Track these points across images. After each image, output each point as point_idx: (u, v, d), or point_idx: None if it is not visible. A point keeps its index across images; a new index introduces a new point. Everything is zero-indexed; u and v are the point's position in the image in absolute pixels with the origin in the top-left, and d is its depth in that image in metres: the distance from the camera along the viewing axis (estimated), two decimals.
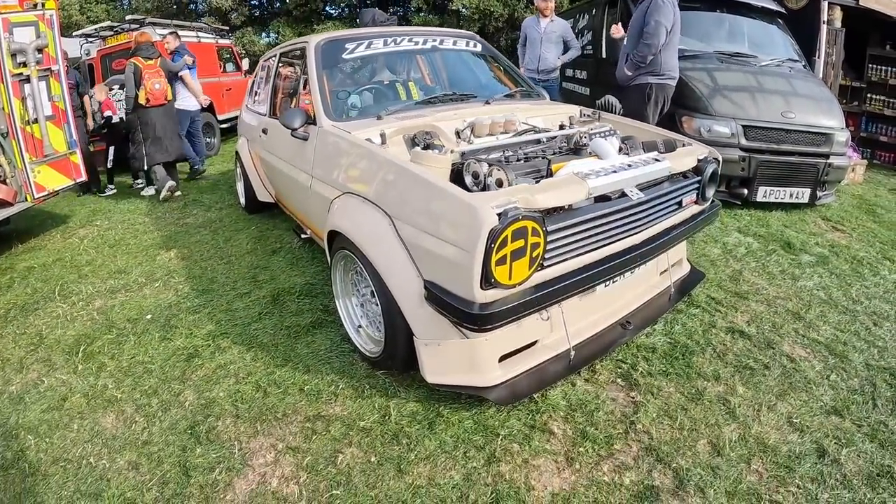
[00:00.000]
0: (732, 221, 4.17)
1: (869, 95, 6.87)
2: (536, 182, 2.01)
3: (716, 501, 1.75)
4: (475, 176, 2.13)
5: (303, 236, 3.44)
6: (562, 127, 2.87)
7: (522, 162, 2.28)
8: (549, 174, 2.19)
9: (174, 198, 5.59)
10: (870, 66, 6.79)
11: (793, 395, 2.26)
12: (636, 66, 3.90)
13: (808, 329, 2.75)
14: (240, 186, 4.84)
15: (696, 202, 2.59)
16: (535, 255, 1.78)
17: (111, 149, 5.76)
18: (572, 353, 2.16)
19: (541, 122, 2.89)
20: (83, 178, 4.79)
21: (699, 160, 2.52)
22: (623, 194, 2.09)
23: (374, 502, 1.78)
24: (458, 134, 2.58)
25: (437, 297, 1.84)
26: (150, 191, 5.80)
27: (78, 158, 4.70)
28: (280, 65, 3.89)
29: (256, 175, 4.25)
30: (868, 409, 2.19)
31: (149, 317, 3.07)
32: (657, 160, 2.31)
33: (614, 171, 2.09)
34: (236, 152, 4.77)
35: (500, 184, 2.02)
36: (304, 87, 3.19)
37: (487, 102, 3.00)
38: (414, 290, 1.96)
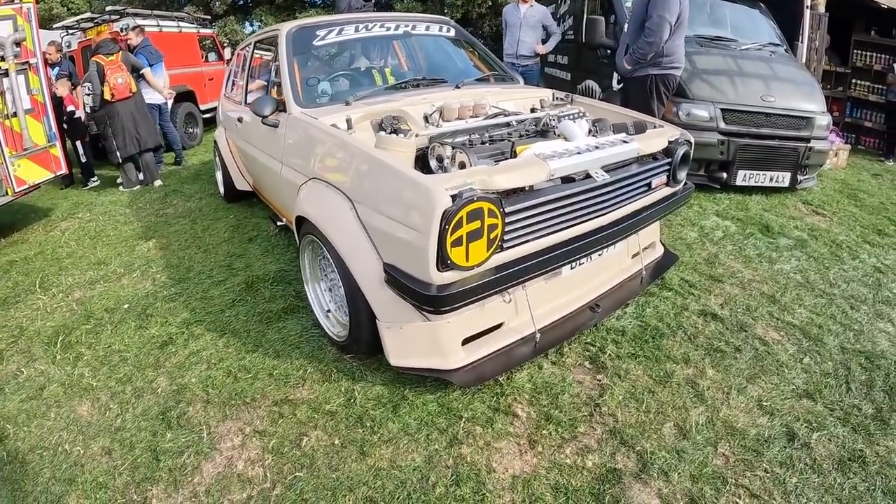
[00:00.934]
0: (711, 205, 4.17)
1: (854, 81, 6.86)
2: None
3: (680, 485, 1.75)
4: (440, 160, 2.13)
5: (279, 224, 3.45)
6: (533, 110, 2.86)
7: (487, 145, 2.27)
8: (513, 156, 2.18)
9: (154, 188, 5.66)
10: (855, 51, 6.78)
11: (764, 378, 2.25)
12: (636, 61, 3.74)
13: (782, 312, 2.75)
14: (219, 175, 4.83)
15: (667, 184, 2.59)
16: (492, 236, 1.78)
17: (77, 143, 5.76)
18: (538, 336, 2.17)
19: (512, 106, 2.87)
20: (63, 170, 4.77)
21: (670, 142, 2.51)
22: (588, 175, 2.09)
23: (335, 484, 1.79)
24: (426, 118, 2.57)
25: (396, 280, 1.84)
26: (123, 188, 5.78)
27: (58, 151, 4.69)
28: (255, 53, 3.86)
29: (234, 164, 4.24)
30: (841, 392, 2.18)
31: (126, 306, 3.08)
32: (625, 141, 2.30)
33: (578, 153, 2.09)
34: (214, 141, 4.76)
35: (462, 167, 2.02)
36: (277, 75, 3.17)
37: (458, 87, 2.99)
38: (375, 274, 1.97)
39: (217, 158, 4.71)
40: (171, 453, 1.98)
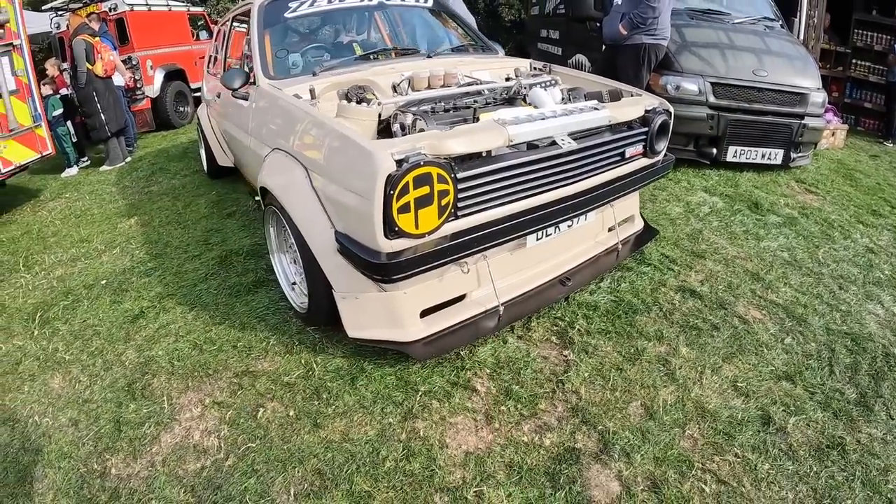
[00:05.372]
0: (699, 181, 4.07)
1: (854, 61, 6.68)
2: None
3: (642, 468, 1.68)
4: (402, 128, 2.08)
5: (256, 199, 3.41)
6: (508, 80, 2.79)
7: (450, 112, 2.21)
8: (475, 122, 2.12)
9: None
10: (855, 31, 6.58)
11: (741, 357, 2.17)
12: (634, 27, 3.78)
13: (766, 290, 2.67)
14: (202, 152, 4.79)
15: (644, 155, 2.52)
16: (444, 203, 1.73)
17: (68, 123, 5.78)
18: (501, 308, 2.13)
19: (487, 76, 2.80)
20: (49, 150, 4.77)
21: (647, 111, 2.44)
22: (554, 143, 2.03)
23: (286, 456, 1.78)
24: (394, 88, 2.51)
25: (347, 249, 1.81)
26: (106, 167, 5.80)
27: (44, 132, 4.69)
28: (233, 27, 3.81)
29: (216, 140, 4.21)
30: (823, 375, 2.10)
31: (103, 282, 3.08)
32: (595, 109, 2.23)
33: (543, 119, 2.03)
34: (197, 118, 4.73)
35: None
36: (249, 48, 3.12)
37: (429, 56, 2.92)
38: (328, 243, 1.93)
39: (200, 135, 4.68)
40: (132, 424, 1.99)
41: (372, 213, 1.63)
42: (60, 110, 5.55)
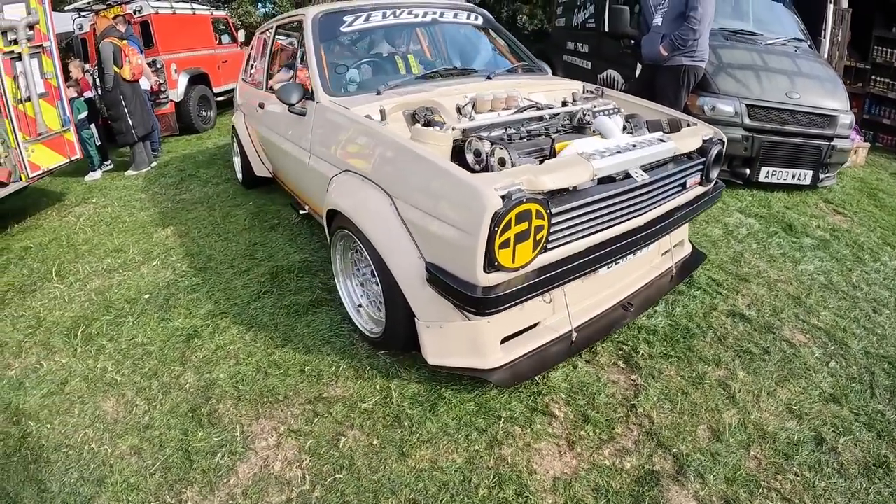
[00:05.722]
0: (734, 201, 4.13)
1: (873, 77, 6.76)
2: (541, 162, 1.97)
3: (715, 487, 1.76)
4: (477, 154, 2.09)
5: (301, 212, 3.40)
6: (564, 103, 2.81)
7: (525, 140, 2.23)
8: (553, 153, 2.14)
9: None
10: (875, 47, 6.66)
11: (792, 381, 2.25)
12: (674, 48, 3.82)
13: (808, 314, 2.74)
14: (237, 161, 4.77)
15: (699, 183, 2.56)
16: (538, 237, 1.75)
17: (92, 126, 5.74)
18: (574, 334, 2.15)
19: (543, 98, 2.82)
20: (77, 155, 4.72)
21: (704, 141, 2.48)
22: (627, 175, 2.06)
23: (377, 486, 1.78)
24: (458, 110, 2.53)
25: (440, 280, 1.81)
26: (132, 171, 5.76)
27: (72, 136, 4.63)
28: (276, 37, 3.80)
29: (253, 150, 4.19)
30: (866, 397, 2.18)
31: (147, 297, 3.05)
32: (662, 140, 2.26)
33: (619, 152, 2.05)
34: (233, 126, 4.69)
35: (502, 163, 1.98)
36: (302, 61, 3.12)
37: (489, 77, 2.93)
38: (415, 272, 1.93)
39: (235, 144, 4.65)
40: (203, 453, 1.94)
41: (475, 247, 1.64)
42: (85, 113, 5.50)
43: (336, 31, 3.02)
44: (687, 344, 2.46)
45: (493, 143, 2.06)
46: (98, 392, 2.30)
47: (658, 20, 3.90)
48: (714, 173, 2.59)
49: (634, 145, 2.14)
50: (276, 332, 2.61)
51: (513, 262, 1.72)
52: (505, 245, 1.67)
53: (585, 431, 1.98)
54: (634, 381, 2.24)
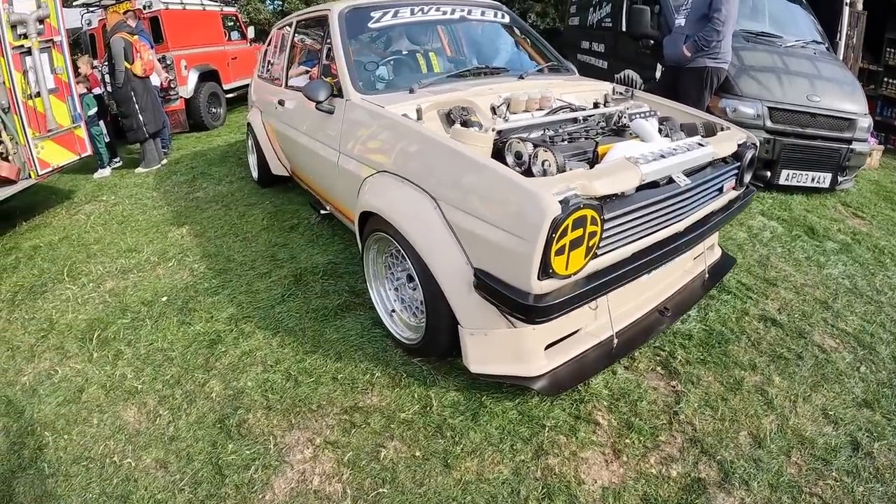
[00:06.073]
0: (756, 204, 4.11)
1: (886, 79, 6.76)
2: (591, 167, 1.93)
3: (760, 494, 1.75)
4: (518, 156, 2.04)
5: (322, 212, 3.33)
6: (596, 105, 2.77)
7: (566, 143, 2.18)
8: (595, 156, 2.10)
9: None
10: (888, 49, 6.65)
11: (826, 386, 2.25)
12: (698, 49, 3.82)
13: (836, 319, 2.73)
14: (252, 159, 4.69)
15: (733, 188, 2.53)
16: (591, 244, 1.71)
17: (101, 123, 5.66)
18: (615, 340, 2.11)
19: (574, 100, 2.78)
20: (88, 152, 4.64)
21: (739, 145, 2.45)
22: (670, 180, 2.02)
23: (423, 500, 1.72)
24: (493, 110, 2.48)
25: (489, 287, 1.76)
26: (142, 169, 5.69)
27: (83, 132, 4.54)
28: (296, 33, 3.71)
29: (270, 148, 4.11)
30: None
31: (164, 299, 2.97)
32: (701, 145, 2.23)
33: (663, 157, 2.01)
34: (248, 124, 4.59)
35: (546, 166, 1.93)
36: (328, 58, 3.04)
37: (521, 77, 2.88)
38: (462, 278, 1.88)
39: (250, 141, 4.57)
40: (235, 467, 1.86)
41: (531, 255, 1.59)
42: (95, 109, 5.42)
43: (363, 27, 2.96)
44: (722, 349, 2.44)
45: (536, 146, 2.01)
46: (118, 400, 2.22)
47: (681, 21, 3.87)
48: (748, 177, 2.57)
49: (675, 150, 2.10)
50: (304, 337, 2.54)
51: (566, 269, 1.68)
52: (560, 252, 1.62)
53: (630, 439, 1.94)
54: (674, 387, 2.21)
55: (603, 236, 1.77)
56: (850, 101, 4.28)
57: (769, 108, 4.05)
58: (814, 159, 4.21)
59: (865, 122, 4.30)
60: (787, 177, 4.21)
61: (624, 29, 5.36)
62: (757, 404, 2.13)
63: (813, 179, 4.26)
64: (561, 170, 1.88)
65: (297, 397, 2.17)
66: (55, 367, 2.47)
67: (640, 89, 4.10)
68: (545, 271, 1.64)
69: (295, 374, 2.29)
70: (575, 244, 1.65)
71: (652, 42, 4.45)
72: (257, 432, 2.01)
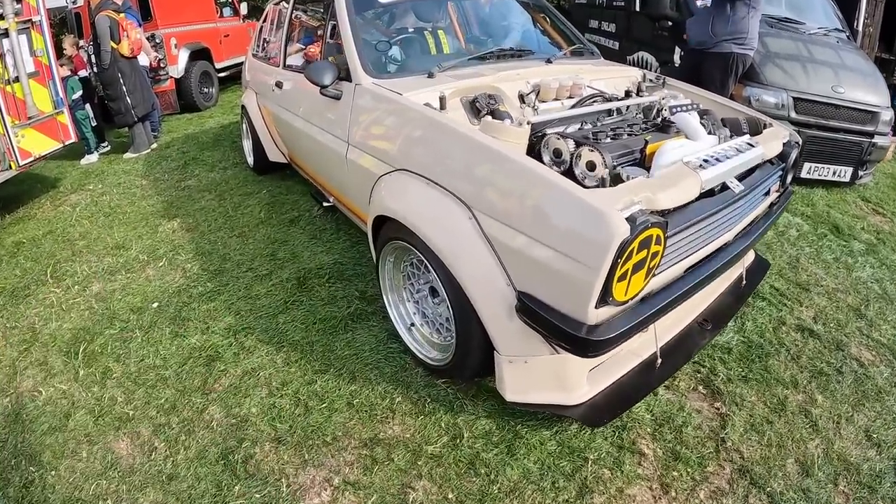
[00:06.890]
0: None
1: None
2: (649, 171, 1.72)
3: None
4: (556, 154, 1.82)
5: (325, 204, 3.08)
6: (628, 94, 2.54)
7: (610, 140, 1.95)
8: (643, 156, 1.88)
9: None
10: None
11: (867, 404, 2.15)
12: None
13: (870, 328, 2.62)
14: (247, 144, 4.39)
15: (776, 190, 2.36)
16: (652, 265, 1.51)
17: (87, 106, 5.33)
18: (659, 359, 1.93)
19: (604, 86, 2.54)
20: (72, 139, 4.34)
21: (784, 144, 2.26)
22: (724, 186, 1.82)
23: None
24: (521, 98, 2.24)
25: (535, 314, 1.55)
26: (131, 154, 5.36)
27: (66, 118, 4.23)
28: (295, 9, 3.40)
29: (267, 132, 3.82)
30: None
31: (155, 305, 2.73)
32: (751, 145, 2.02)
33: (718, 160, 1.80)
34: (242, 106, 4.28)
35: (591, 167, 1.72)
36: (332, 37, 2.76)
37: (549, 61, 2.62)
38: (501, 301, 1.65)
39: (245, 125, 4.26)
40: None
41: (593, 282, 1.38)
42: (80, 93, 5.07)
43: (372, 2, 2.68)
44: (763, 364, 2.30)
45: (578, 143, 1.79)
46: (108, 429, 2.00)
47: (706, 1, 3.64)
48: (790, 178, 2.39)
49: (727, 151, 1.90)
50: (312, 353, 2.30)
51: (625, 294, 1.48)
52: (622, 278, 1.42)
53: (678, 472, 1.79)
54: (718, 409, 2.06)
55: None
56: (874, 94, 4.10)
57: (794, 98, 3.86)
58: (836, 152, 4.05)
59: (888, 115, 4.14)
60: (808, 170, 4.06)
61: (638, 8, 5.11)
62: (802, 427, 2.01)
63: (834, 173, 4.11)
64: (613, 175, 1.67)
65: (309, 427, 1.94)
66: (38, 386, 2.24)
67: (656, 71, 3.89)
68: (604, 299, 1.43)
69: (305, 399, 2.06)
70: (637, 267, 1.45)
71: (670, 24, 4.21)
72: (266, 470, 1.80)
